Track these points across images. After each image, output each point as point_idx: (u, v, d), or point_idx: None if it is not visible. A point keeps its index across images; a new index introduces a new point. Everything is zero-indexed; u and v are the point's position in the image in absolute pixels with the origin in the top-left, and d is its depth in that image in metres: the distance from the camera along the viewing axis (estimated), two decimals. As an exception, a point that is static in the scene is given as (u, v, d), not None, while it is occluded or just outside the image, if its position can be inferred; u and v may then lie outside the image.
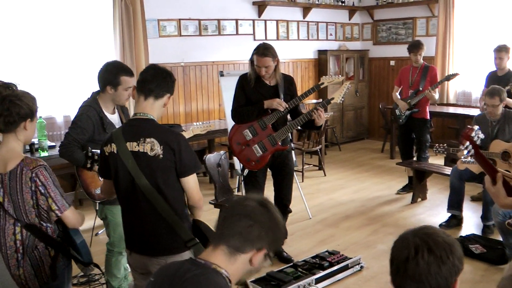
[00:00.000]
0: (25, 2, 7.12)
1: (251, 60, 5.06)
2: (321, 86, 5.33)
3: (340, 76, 5.47)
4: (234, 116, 5.23)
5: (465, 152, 2.86)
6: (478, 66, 9.87)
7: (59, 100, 7.45)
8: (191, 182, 3.13)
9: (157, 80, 3.12)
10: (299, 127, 5.27)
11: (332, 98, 5.18)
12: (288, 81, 5.26)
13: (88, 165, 4.05)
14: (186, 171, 3.08)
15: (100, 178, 4.12)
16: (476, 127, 2.89)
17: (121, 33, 7.91)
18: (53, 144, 6.67)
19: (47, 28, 7.33)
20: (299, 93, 5.32)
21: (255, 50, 5.02)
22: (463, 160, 3.36)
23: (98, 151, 3.65)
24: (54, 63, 7.45)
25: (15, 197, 2.99)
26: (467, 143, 2.85)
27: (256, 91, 5.11)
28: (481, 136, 2.89)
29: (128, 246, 3.27)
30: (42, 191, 3.00)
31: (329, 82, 5.35)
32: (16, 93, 3.11)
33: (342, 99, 5.25)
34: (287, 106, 5.04)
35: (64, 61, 7.54)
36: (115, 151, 3.08)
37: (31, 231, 3.03)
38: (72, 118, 7.26)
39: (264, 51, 4.96)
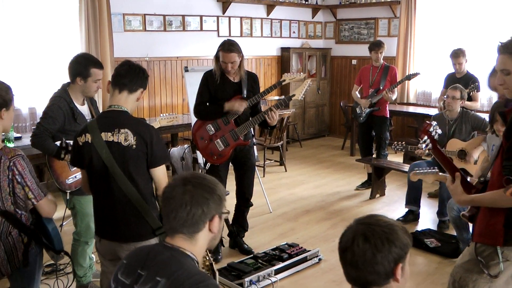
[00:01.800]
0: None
1: (217, 57, 5.13)
2: (283, 83, 5.45)
3: (301, 73, 5.57)
4: (196, 112, 5.32)
5: (423, 146, 3.03)
6: (438, 67, 10.03)
7: (24, 92, 7.37)
8: (160, 173, 3.27)
9: (131, 75, 3.25)
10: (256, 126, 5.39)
11: (293, 95, 5.31)
12: (252, 78, 5.35)
13: (62, 156, 4.10)
14: (156, 162, 3.23)
15: (71, 168, 4.22)
16: (434, 123, 3.06)
17: (86, 27, 7.90)
18: (18, 135, 6.68)
19: (12, 20, 7.27)
20: (261, 90, 5.43)
21: (220, 46, 5.09)
22: (417, 172, 3.49)
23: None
24: (19, 55, 7.40)
25: None
26: (425, 137, 3.03)
27: (220, 87, 5.19)
28: (439, 131, 3.07)
29: (98, 233, 3.38)
30: (19, 180, 3.06)
31: (291, 79, 5.47)
32: None
33: (303, 96, 5.39)
34: (248, 104, 5.15)
35: (29, 54, 7.49)
36: (90, 141, 3.18)
37: (6, 217, 3.08)
38: (37, 109, 7.41)
39: (230, 46, 5.04)
